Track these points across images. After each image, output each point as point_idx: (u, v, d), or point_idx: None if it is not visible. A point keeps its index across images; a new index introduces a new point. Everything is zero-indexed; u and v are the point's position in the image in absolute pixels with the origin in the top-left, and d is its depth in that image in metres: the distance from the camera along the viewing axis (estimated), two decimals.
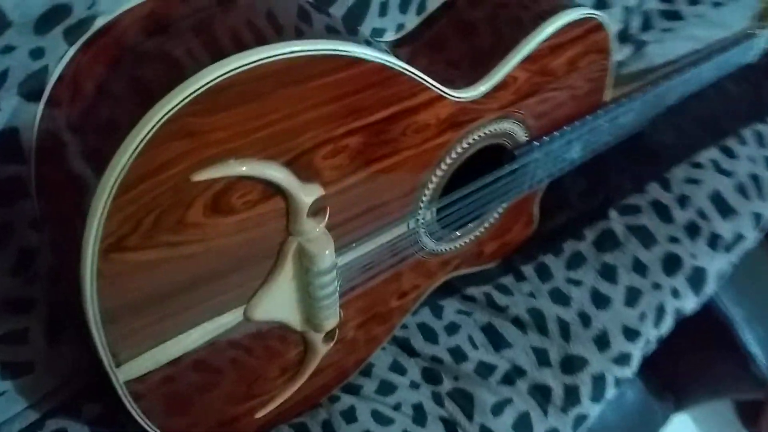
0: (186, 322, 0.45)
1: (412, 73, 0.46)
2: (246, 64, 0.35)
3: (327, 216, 0.47)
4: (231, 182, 0.39)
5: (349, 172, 0.47)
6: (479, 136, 0.55)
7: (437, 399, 0.63)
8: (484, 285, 0.72)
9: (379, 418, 0.61)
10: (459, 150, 0.54)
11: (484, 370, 0.66)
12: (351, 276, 0.54)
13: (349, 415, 0.62)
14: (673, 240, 0.73)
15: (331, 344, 0.58)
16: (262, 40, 0.37)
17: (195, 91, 0.34)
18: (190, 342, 0.46)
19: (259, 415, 0.57)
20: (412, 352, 0.67)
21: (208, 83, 0.34)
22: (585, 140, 0.66)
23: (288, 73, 0.38)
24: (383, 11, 0.61)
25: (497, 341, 0.68)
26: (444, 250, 0.63)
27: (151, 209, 0.37)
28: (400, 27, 0.60)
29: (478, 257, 0.70)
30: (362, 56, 0.41)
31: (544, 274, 0.72)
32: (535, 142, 0.61)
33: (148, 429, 0.48)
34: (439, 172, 0.54)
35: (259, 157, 0.40)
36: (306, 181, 0.44)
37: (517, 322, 0.69)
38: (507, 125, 0.57)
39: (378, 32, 0.60)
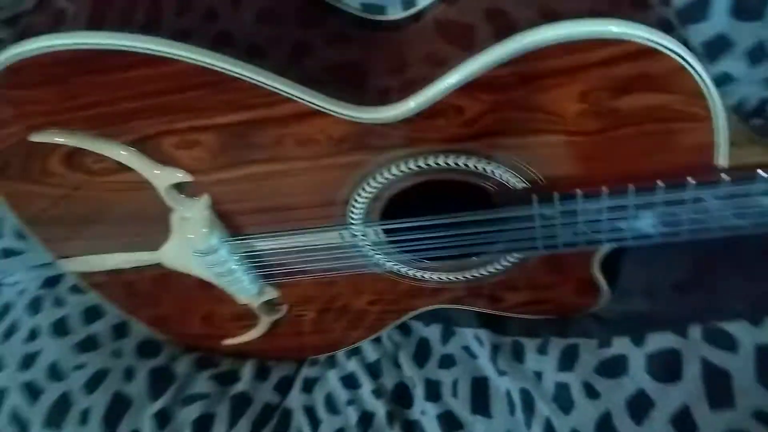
0: (106, 246, 0.53)
1: (260, 81, 0.39)
2: (28, 50, 0.38)
3: (207, 201, 0.47)
4: (77, 147, 0.44)
5: (219, 166, 0.45)
6: (423, 166, 0.43)
7: (389, 417, 0.58)
8: (517, 335, 0.58)
9: (331, 402, 0.61)
10: (389, 175, 0.44)
11: (450, 422, 0.57)
12: (281, 262, 0.53)
13: (307, 384, 0.63)
14: None
15: (274, 315, 0.59)
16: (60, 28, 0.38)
17: None
18: (116, 262, 0.54)
19: (227, 342, 0.63)
20: (396, 362, 0.62)
21: (5, 60, 0.39)
22: (665, 215, 0.44)
23: (78, 63, 0.38)
24: None
25: (478, 403, 0.56)
26: (421, 277, 0.54)
27: (14, 154, 0.45)
28: (409, 3, 0.48)
29: (495, 301, 0.56)
30: (167, 56, 0.37)
31: (571, 358, 0.54)
32: (535, 198, 0.44)
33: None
34: (364, 193, 0.46)
35: (93, 133, 0.43)
36: (163, 164, 0.44)
37: (509, 396, 0.55)
38: (477, 163, 0.43)
39: (373, 8, 0.49)
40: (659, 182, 0.42)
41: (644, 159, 0.41)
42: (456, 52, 0.39)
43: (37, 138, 0.43)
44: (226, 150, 0.43)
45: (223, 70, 0.38)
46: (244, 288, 0.54)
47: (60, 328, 0.64)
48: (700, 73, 0.36)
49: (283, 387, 0.64)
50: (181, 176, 0.45)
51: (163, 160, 0.44)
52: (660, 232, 0.45)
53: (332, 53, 0.44)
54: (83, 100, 0.41)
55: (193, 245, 0.49)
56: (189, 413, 0.60)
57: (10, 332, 0.65)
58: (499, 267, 0.52)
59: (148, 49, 0.37)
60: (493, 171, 0.43)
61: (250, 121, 0.41)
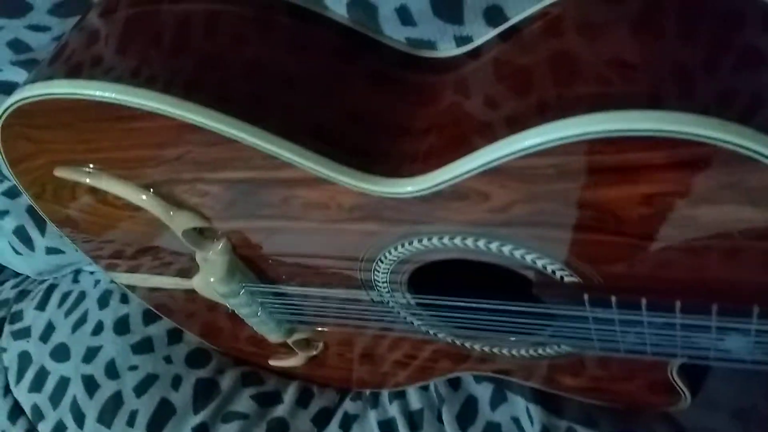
0: (143, 269, 0.52)
1: (258, 144, 0.34)
2: (35, 95, 0.36)
3: (225, 245, 0.44)
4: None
5: (232, 216, 0.41)
6: (448, 244, 0.36)
7: None
8: (572, 420, 0.50)
9: None
10: (410, 248, 0.38)
11: None
12: (308, 310, 0.49)
13: (345, 421, 0.60)
14: None
15: (310, 351, 0.56)
16: (72, 74, 0.36)
17: (8, 108, 0.38)
18: (156, 283, 0.54)
19: (272, 363, 0.62)
20: (439, 417, 0.57)
21: (14, 104, 0.37)
22: (764, 342, 0.34)
23: (78, 111, 0.36)
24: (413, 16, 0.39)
25: None
26: (461, 344, 0.47)
27: (47, 181, 0.44)
28: (464, 39, 0.39)
29: (549, 381, 0.48)
30: (160, 112, 0.34)
31: None
32: (587, 298, 0.35)
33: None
34: (385, 259, 0.40)
35: (108, 174, 0.41)
36: (178, 207, 0.42)
37: None
38: (514, 250, 0.35)
39: (421, 43, 0.40)
40: (756, 307, 0.32)
41: (733, 277, 0.31)
42: (500, 119, 0.32)
43: (59, 173, 0.42)
44: (235, 203, 0.40)
45: (219, 132, 0.34)
46: (271, 329, 0.51)
47: (122, 326, 0.66)
48: None
49: (322, 419, 0.61)
50: (195, 222, 0.42)
51: (178, 204, 0.41)
52: (755, 359, 0.35)
53: (356, 99, 0.38)
54: (93, 145, 0.39)
55: (215, 288, 0.46)
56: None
57: (80, 323, 0.68)
58: (551, 352, 0.44)
59: (139, 104, 0.34)
60: (534, 260, 0.35)
61: (256, 180, 0.37)
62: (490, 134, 0.31)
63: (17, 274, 0.79)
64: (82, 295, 0.71)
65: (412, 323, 0.47)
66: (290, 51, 0.39)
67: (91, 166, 0.41)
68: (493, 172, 0.30)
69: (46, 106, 0.37)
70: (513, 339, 0.43)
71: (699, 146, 0.25)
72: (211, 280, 0.45)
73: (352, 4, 0.38)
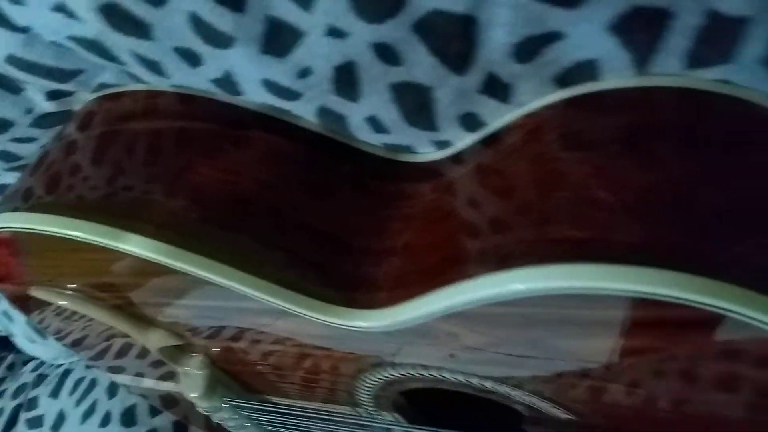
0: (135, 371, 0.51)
1: (209, 277, 0.32)
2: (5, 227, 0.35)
3: (202, 361, 0.42)
4: None
5: (204, 336, 0.39)
6: (426, 375, 0.33)
7: None
8: None
9: None
10: (386, 375, 0.35)
11: None
12: (296, 426, 0.46)
13: None
14: None
15: None
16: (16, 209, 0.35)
17: None
18: (149, 385, 0.52)
19: None
20: None
21: None
22: None
23: (38, 241, 0.35)
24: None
25: None
26: None
27: (24, 298, 0.43)
28: (443, 144, 0.36)
29: None
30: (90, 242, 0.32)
31: None
32: None
33: None
34: (365, 382, 0.37)
35: (81, 296, 0.39)
36: (150, 326, 0.40)
37: None
38: (497, 386, 0.31)
39: (400, 148, 0.37)
40: None
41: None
42: (474, 252, 0.28)
43: (34, 293, 0.41)
44: (207, 324, 0.38)
45: (170, 266, 0.32)
46: None
47: (128, 417, 0.65)
48: None
49: None
50: (170, 340, 0.40)
51: (151, 323, 0.40)
52: None
53: (328, 217, 0.36)
54: (60, 270, 0.38)
55: (195, 403, 0.44)
56: None
57: (89, 413, 0.67)
58: None
59: (84, 238, 0.32)
60: (520, 397, 0.32)
61: (222, 307, 0.35)
62: (460, 270, 0.28)
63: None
64: (92, 383, 0.70)
65: None
66: (259, 169, 0.37)
67: (68, 286, 0.40)
68: (459, 316, 0.27)
69: (9, 235, 0.36)
70: None
71: (688, 309, 0.22)
72: (192, 395, 0.43)
73: (322, 114, 0.36)
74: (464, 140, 0.35)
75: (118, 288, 0.37)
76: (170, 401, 0.58)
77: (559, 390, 0.30)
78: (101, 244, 0.32)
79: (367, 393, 0.38)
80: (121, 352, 0.47)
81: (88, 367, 0.73)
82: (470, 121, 0.34)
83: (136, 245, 0.32)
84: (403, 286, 0.30)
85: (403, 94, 0.33)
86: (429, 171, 0.36)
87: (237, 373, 0.43)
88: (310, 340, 0.35)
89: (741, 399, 0.25)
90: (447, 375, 0.32)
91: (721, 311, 0.21)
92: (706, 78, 0.27)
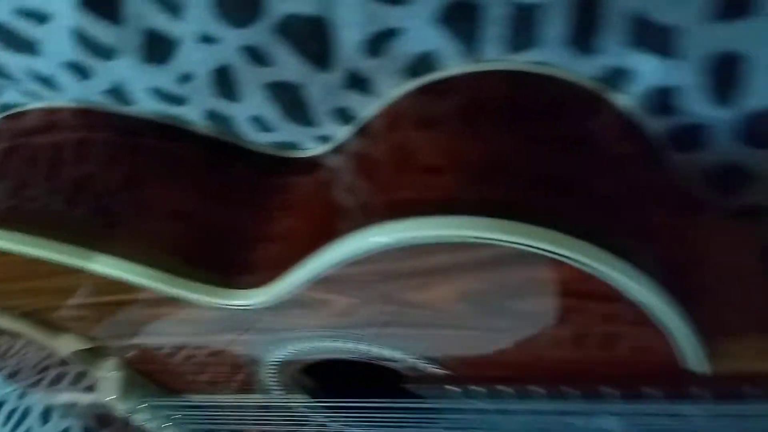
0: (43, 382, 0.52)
1: (106, 273, 0.34)
2: None
3: (114, 364, 0.44)
4: None
5: (113, 336, 0.41)
6: (314, 347, 0.36)
7: None
8: None
9: None
10: (282, 353, 0.37)
11: None
12: (218, 420, 0.48)
13: None
14: None
15: None
16: None
17: None
18: (69, 398, 0.53)
19: None
20: None
21: None
22: (632, 422, 0.32)
23: None
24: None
25: None
26: None
27: None
28: (325, 139, 0.40)
29: None
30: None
31: None
32: (454, 389, 0.34)
33: None
34: (266, 363, 0.39)
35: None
36: (60, 332, 0.42)
37: None
38: (371, 347, 0.34)
39: (287, 145, 0.41)
40: (608, 388, 0.31)
41: (580, 359, 0.30)
42: (334, 226, 0.32)
43: None
44: (111, 324, 0.40)
45: (60, 262, 0.34)
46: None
47: None
48: (617, 278, 0.25)
49: None
50: (81, 344, 0.42)
51: (60, 328, 0.41)
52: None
53: (218, 212, 0.39)
54: None
55: (115, 406, 0.46)
56: None
57: None
58: None
59: None
60: (394, 356, 0.35)
61: (118, 302, 0.37)
62: (325, 241, 0.31)
63: None
64: (26, 412, 0.70)
65: (324, 423, 0.46)
66: (156, 173, 0.40)
67: None
68: (324, 281, 0.30)
69: None
70: None
71: (493, 248, 0.25)
72: (109, 397, 0.44)
73: (210, 117, 0.39)
74: (342, 133, 0.39)
75: (24, 292, 0.39)
76: (105, 420, 0.59)
77: (428, 345, 0.33)
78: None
79: (272, 377, 0.41)
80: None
81: (20, 397, 0.73)
82: (343, 115, 0.38)
83: (22, 243, 0.34)
84: (281, 266, 0.33)
85: (277, 92, 0.36)
86: (312, 164, 0.40)
87: (153, 372, 0.45)
88: (210, 331, 0.37)
89: (565, 332, 0.29)
90: (333, 344, 0.35)
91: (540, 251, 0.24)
92: (524, 60, 0.31)
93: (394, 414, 0.39)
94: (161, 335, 0.40)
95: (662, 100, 0.31)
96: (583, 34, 0.29)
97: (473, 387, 0.34)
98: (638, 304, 0.26)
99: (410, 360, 0.35)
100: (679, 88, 0.30)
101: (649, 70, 0.30)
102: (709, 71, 0.29)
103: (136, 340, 0.41)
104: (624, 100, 0.32)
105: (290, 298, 0.32)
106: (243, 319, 0.36)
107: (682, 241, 0.32)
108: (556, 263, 0.25)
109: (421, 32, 0.31)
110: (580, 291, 0.26)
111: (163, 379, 0.45)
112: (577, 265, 0.25)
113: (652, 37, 0.28)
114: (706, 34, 0.28)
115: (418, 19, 0.31)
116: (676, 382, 0.29)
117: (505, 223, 0.24)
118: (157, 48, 0.35)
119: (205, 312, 0.36)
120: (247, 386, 0.43)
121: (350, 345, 0.35)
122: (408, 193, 0.29)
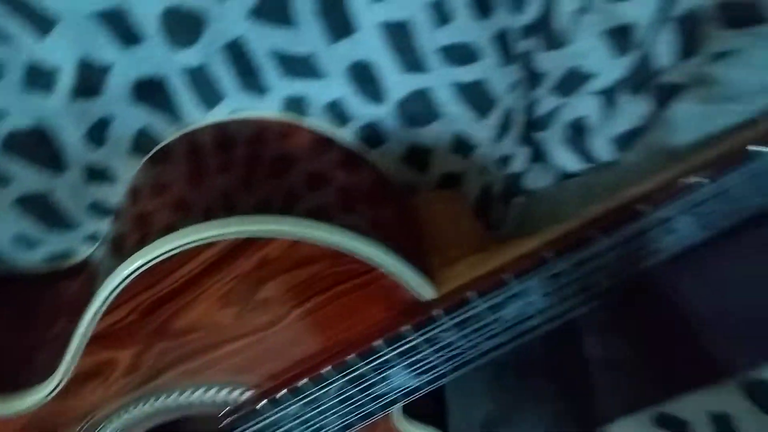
0: None
1: None
2: None
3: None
4: None
5: None
6: (129, 418, 0.38)
7: None
8: None
9: None
10: None
11: None
12: None
13: None
14: None
15: None
16: None
17: None
18: None
19: None
20: None
21: None
22: (414, 365, 0.38)
23: None
24: None
25: None
26: None
27: None
28: (94, 238, 0.44)
29: None
30: None
31: None
32: (264, 404, 0.38)
33: None
34: None
35: None
36: None
37: None
38: (178, 397, 0.37)
39: (59, 256, 0.45)
40: (378, 342, 0.36)
41: (347, 328, 0.36)
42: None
43: None
44: None
45: None
46: None
47: None
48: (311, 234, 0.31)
49: None
50: None
51: None
52: (424, 380, 0.39)
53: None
54: None
55: None
56: None
57: None
58: None
59: None
60: (204, 398, 0.38)
61: None
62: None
63: None
64: None
65: None
66: None
67: None
68: (95, 340, 0.33)
69: None
70: None
71: (215, 245, 0.31)
72: None
73: None
74: (105, 225, 0.43)
75: None
76: None
77: (226, 369, 0.37)
78: None
79: None
80: None
81: None
82: (98, 209, 0.42)
83: None
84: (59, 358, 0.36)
85: (27, 206, 0.40)
86: (84, 264, 0.43)
87: None
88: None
89: (315, 304, 0.34)
90: (139, 410, 0.37)
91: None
92: (222, 113, 0.38)
93: None
94: None
95: (337, 112, 0.40)
96: (250, 79, 0.37)
97: (278, 395, 0.38)
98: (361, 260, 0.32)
99: (221, 395, 0.38)
100: (341, 99, 0.39)
101: (314, 92, 0.39)
102: (352, 79, 0.38)
103: None
104: (311, 121, 0.40)
105: (76, 372, 0.35)
106: (50, 417, 0.37)
107: (409, 219, 0.40)
108: (264, 241, 0.31)
109: (126, 113, 0.38)
110: (299, 261, 0.32)
111: None
112: (284, 236, 0.31)
113: (297, 65, 0.37)
114: (332, 53, 0.37)
115: (117, 104, 0.37)
116: (419, 313, 0.36)
117: (212, 222, 0.30)
118: None
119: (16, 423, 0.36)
120: None
121: (158, 403, 0.37)
122: (137, 237, 0.34)
